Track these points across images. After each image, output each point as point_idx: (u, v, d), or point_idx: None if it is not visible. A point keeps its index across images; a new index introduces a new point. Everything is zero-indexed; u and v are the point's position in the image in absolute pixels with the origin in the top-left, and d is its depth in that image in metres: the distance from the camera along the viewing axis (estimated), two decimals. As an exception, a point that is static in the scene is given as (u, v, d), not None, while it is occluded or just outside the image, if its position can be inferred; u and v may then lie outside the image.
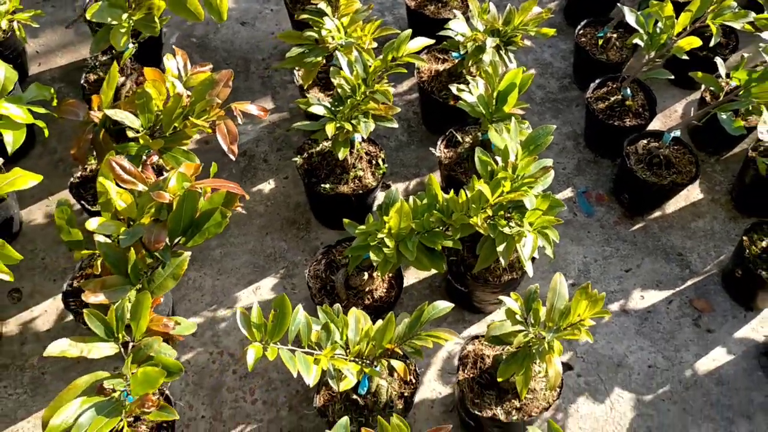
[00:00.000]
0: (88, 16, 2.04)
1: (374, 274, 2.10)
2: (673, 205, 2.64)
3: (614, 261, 2.48)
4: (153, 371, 1.46)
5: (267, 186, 2.60)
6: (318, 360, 1.62)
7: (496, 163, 1.96)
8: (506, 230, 1.87)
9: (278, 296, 1.56)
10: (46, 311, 2.26)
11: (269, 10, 3.17)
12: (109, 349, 1.58)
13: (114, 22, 2.10)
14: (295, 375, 1.56)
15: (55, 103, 2.13)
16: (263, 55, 3.00)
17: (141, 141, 1.97)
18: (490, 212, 1.89)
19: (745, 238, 2.30)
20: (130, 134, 1.97)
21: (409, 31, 2.11)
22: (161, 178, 1.72)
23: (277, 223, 2.51)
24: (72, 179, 2.26)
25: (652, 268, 2.48)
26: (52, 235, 2.41)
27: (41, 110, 1.99)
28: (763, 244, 2.29)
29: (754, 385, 2.24)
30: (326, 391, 1.92)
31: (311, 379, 1.57)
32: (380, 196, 2.57)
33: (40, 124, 2.00)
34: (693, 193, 2.68)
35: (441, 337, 1.71)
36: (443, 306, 1.74)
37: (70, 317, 2.23)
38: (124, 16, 2.10)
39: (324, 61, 2.39)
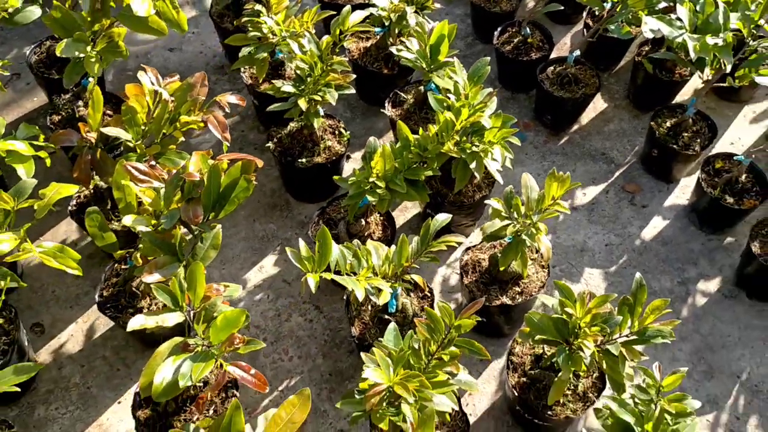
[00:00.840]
0: (57, 52, 2.19)
1: (369, 219, 2.35)
2: (586, 117, 3.05)
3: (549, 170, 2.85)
4: (232, 314, 1.65)
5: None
6: (359, 280, 1.87)
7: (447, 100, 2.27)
8: (474, 149, 2.18)
9: (320, 230, 1.80)
10: (72, 335, 2.36)
11: (191, 34, 3.36)
12: (177, 317, 1.75)
13: (81, 55, 2.27)
14: (351, 291, 1.79)
15: (41, 139, 2.24)
16: (199, 71, 3.18)
17: (138, 150, 2.15)
18: (456, 138, 2.20)
19: (652, 123, 2.72)
20: (128, 145, 2.13)
21: (349, 6, 2.39)
22: (180, 166, 1.92)
23: (260, 210, 2.71)
24: (70, 207, 2.38)
25: (584, 170, 2.87)
26: (54, 269, 2.50)
27: (41, 142, 2.11)
28: (668, 124, 2.72)
29: (690, 237, 2.66)
30: (358, 322, 2.15)
31: (361, 293, 1.81)
32: (347, 167, 2.82)
33: (43, 154, 2.12)
34: (599, 104, 3.10)
35: (451, 240, 1.99)
36: (444, 217, 2.02)
37: (98, 335, 2.35)
38: (89, 48, 2.27)
39: (271, 57, 2.63)
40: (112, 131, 2.12)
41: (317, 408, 2.21)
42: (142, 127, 2.17)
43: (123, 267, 2.21)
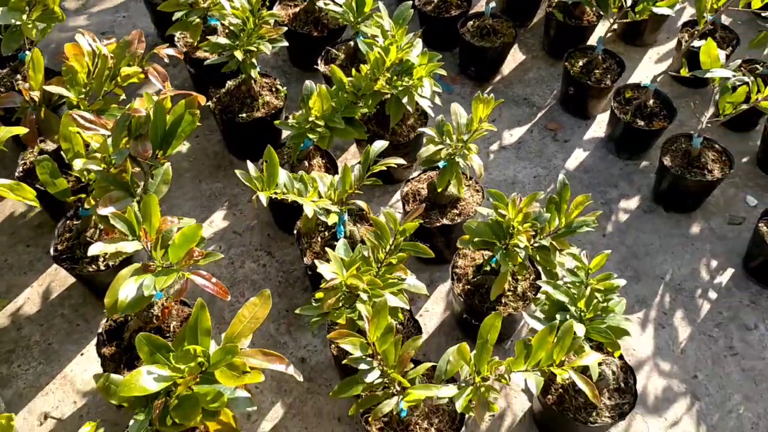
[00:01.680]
0: (-6, 20, 2.23)
1: (312, 162, 2.46)
2: (507, 68, 3.23)
3: (481, 118, 3.02)
4: (188, 229, 1.72)
5: (183, 147, 2.86)
6: (307, 201, 1.97)
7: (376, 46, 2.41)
8: (405, 84, 2.32)
9: (266, 150, 1.89)
10: (29, 298, 2.37)
11: (122, 17, 3.41)
12: (135, 244, 1.81)
13: (18, 22, 2.31)
14: (306, 209, 1.89)
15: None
16: (133, 51, 3.24)
17: (81, 107, 2.20)
18: (388, 75, 2.33)
19: (566, 63, 2.92)
20: (72, 103, 2.18)
21: (275, -38, 2.51)
22: (126, 107, 1.98)
23: (205, 171, 2.78)
24: (17, 174, 2.40)
25: (509, 114, 3.05)
26: (8, 238, 2.52)
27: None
28: (580, 63, 2.93)
29: (610, 164, 2.86)
30: (310, 252, 2.25)
31: (310, 210, 1.92)
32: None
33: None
34: (517, 56, 3.30)
35: (390, 162, 2.11)
36: (381, 143, 2.13)
37: (54, 295, 2.37)
38: (24, 16, 2.32)
39: (204, 23, 2.71)
40: (54, 89, 2.16)
41: (277, 341, 2.29)
42: (84, 88, 2.22)
43: (74, 222, 2.24)
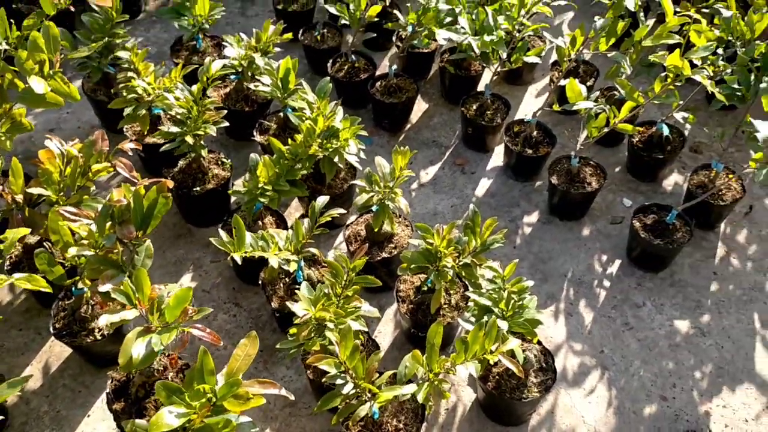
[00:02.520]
0: (-32, 136, 2.51)
1: (265, 221, 2.82)
2: (415, 116, 3.71)
3: (399, 163, 3.47)
4: (180, 292, 2.05)
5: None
6: (271, 255, 2.34)
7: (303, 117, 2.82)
8: (335, 146, 2.74)
9: (234, 216, 2.26)
10: (31, 375, 2.61)
11: (66, 113, 3.68)
12: (134, 312, 2.13)
13: (-10, 135, 2.60)
14: (271, 262, 2.25)
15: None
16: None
17: (60, 202, 2.50)
18: (319, 141, 2.74)
19: (462, 108, 3.42)
20: (51, 200, 2.48)
21: (209, 57, 2.89)
22: (107, 200, 2.30)
23: (167, 241, 3.10)
24: (6, 268, 2.66)
25: (423, 155, 3.51)
26: (1, 325, 2.75)
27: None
28: (474, 107, 3.43)
29: (510, 188, 3.36)
30: (275, 297, 2.61)
31: (275, 262, 2.29)
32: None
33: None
34: (421, 105, 3.78)
35: (333, 213, 2.51)
36: (323, 199, 2.53)
37: (54, 369, 2.61)
38: (-4, 129, 2.61)
39: (149, 113, 3.05)
40: (36, 190, 2.46)
41: (257, 377, 2.62)
42: (59, 186, 2.53)
43: (67, 302, 2.53)
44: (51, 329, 2.45)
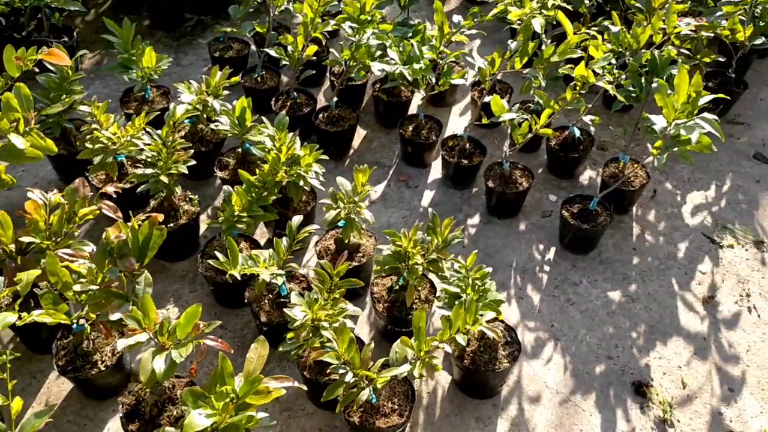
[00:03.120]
0: (-46, 195, 2.61)
1: (241, 246, 3.04)
2: (356, 142, 4.02)
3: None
4: (191, 309, 2.25)
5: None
6: (260, 272, 2.57)
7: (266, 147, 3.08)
8: (299, 171, 3.01)
9: (227, 239, 2.48)
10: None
11: (22, 171, 3.76)
12: (145, 335, 2.30)
13: (-28, 193, 2.70)
14: (263, 276, 2.48)
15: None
16: (42, 197, 3.62)
17: (51, 248, 2.64)
18: (285, 168, 3.00)
19: (400, 130, 3.76)
20: (41, 247, 2.61)
21: (173, 104, 3.11)
22: (103, 238, 2.47)
23: (144, 279, 3.23)
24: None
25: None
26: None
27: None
28: (410, 128, 3.78)
29: (451, 196, 3.71)
30: (262, 312, 2.81)
31: (267, 275, 2.52)
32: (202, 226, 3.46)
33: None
34: (361, 132, 4.10)
35: (310, 230, 2.76)
36: (298, 218, 2.79)
37: (56, 407, 2.71)
38: (-25, 186, 2.71)
39: (115, 159, 3.21)
40: (26, 238, 2.59)
41: (252, 389, 2.81)
42: (46, 233, 2.66)
43: (66, 340, 2.64)
44: (55, 367, 2.56)
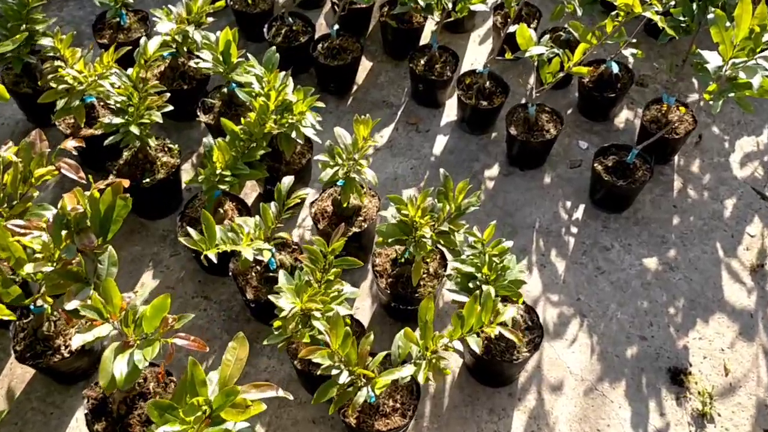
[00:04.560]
0: None
1: (225, 208, 2.69)
2: (360, 77, 3.58)
3: (350, 128, 3.35)
4: (158, 301, 1.94)
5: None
6: (244, 247, 2.23)
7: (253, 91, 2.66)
8: (291, 121, 2.61)
9: (203, 214, 2.13)
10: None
11: (-17, 109, 3.39)
12: (108, 327, 2.00)
13: None
14: (246, 255, 2.14)
15: None
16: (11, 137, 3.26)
17: (4, 214, 2.30)
18: (274, 117, 2.60)
19: (411, 65, 3.31)
20: (-9, 213, 2.28)
21: (144, 38, 2.68)
22: (58, 208, 2.12)
23: (120, 240, 2.91)
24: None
25: (374, 118, 3.39)
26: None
27: None
28: (422, 62, 3.33)
29: (467, 142, 3.30)
30: (249, 287, 2.50)
31: (250, 255, 2.18)
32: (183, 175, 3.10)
33: None
34: (366, 64, 3.65)
35: (301, 195, 2.40)
36: (288, 179, 2.42)
37: (19, 393, 2.46)
38: None
39: (84, 101, 2.83)
40: (-28, 205, 2.25)
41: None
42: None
43: (26, 321, 2.35)
44: (12, 352, 2.29)
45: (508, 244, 2.29)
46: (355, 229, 2.64)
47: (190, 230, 2.15)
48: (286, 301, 1.99)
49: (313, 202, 2.75)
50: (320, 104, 2.68)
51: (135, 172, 2.79)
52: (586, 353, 2.59)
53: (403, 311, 2.56)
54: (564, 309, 2.71)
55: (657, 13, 2.68)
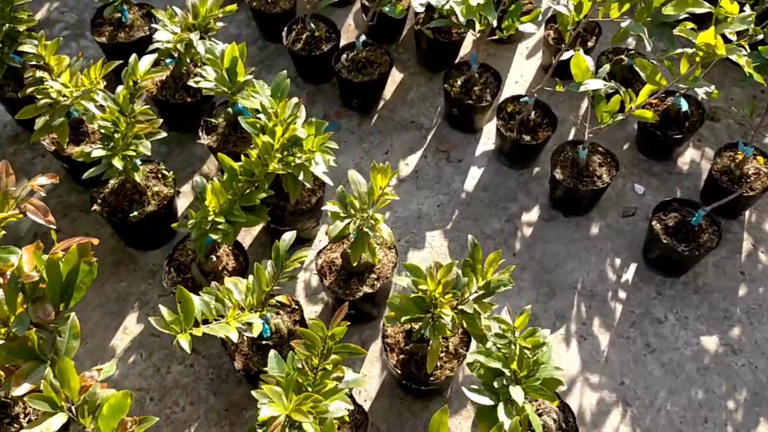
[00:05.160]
0: None
1: (219, 253, 2.38)
2: (388, 91, 3.22)
3: (373, 151, 3.01)
4: (115, 400, 1.65)
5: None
6: (228, 323, 1.92)
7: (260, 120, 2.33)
8: (297, 161, 2.27)
9: (178, 290, 1.82)
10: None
11: (-31, 108, 3.12)
12: (61, 418, 1.72)
13: None
14: (230, 336, 1.83)
15: None
16: (-8, 147, 3.00)
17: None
18: (279, 156, 2.27)
19: (445, 85, 2.94)
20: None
21: (135, 55, 2.35)
22: (10, 263, 1.84)
23: (106, 271, 2.64)
24: None
25: (400, 141, 3.05)
26: None
27: None
28: (459, 82, 2.95)
29: (505, 177, 2.93)
30: (239, 356, 2.21)
31: (234, 335, 1.87)
32: (179, 204, 2.80)
33: None
34: (396, 76, 3.28)
35: (302, 256, 2.08)
36: (289, 235, 2.09)
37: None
38: None
39: (68, 118, 2.53)
40: (-77, 250, 1.98)
41: (224, 445, 2.26)
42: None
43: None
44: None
45: (545, 333, 1.94)
46: (366, 289, 2.32)
47: (162, 310, 1.84)
48: (269, 411, 1.68)
49: (320, 252, 2.43)
50: (333, 145, 2.33)
51: (122, 202, 2.50)
52: (627, 453, 2.25)
53: (415, 390, 2.25)
54: (605, 394, 2.37)
55: (744, 55, 2.26)
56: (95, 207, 2.49)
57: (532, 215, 2.82)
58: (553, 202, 2.83)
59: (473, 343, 2.23)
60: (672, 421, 2.31)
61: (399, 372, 2.18)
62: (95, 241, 1.89)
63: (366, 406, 2.33)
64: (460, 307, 2.02)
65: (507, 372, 1.91)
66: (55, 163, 2.89)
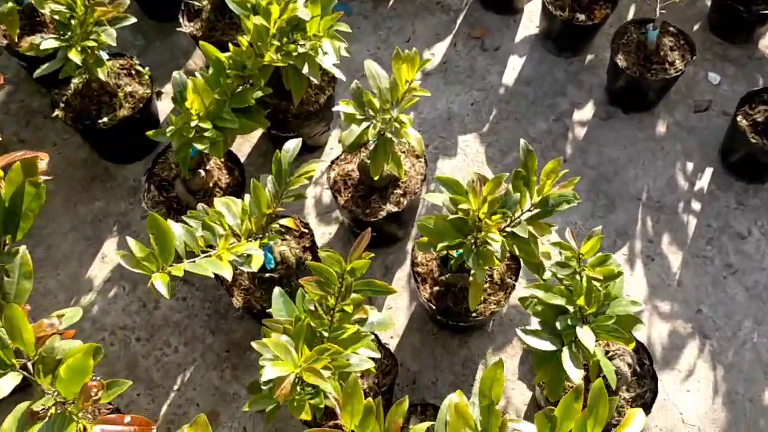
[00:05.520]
0: None
1: (209, 166, 1.98)
2: (408, -35, 2.71)
3: (392, 38, 2.54)
4: (74, 361, 1.29)
5: (41, 163, 2.30)
6: (220, 256, 1.54)
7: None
8: (300, 50, 1.82)
9: (149, 217, 1.43)
10: None
11: None
12: (12, 379, 1.38)
13: None
14: (212, 276, 1.46)
15: None
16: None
17: None
18: (276, 43, 1.82)
19: (480, -46, 2.43)
20: None
21: None
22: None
23: (77, 188, 2.25)
24: None
25: (424, 26, 2.57)
26: None
27: None
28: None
29: (551, 67, 2.47)
30: (238, 291, 1.85)
31: (228, 272, 1.49)
32: (161, 106, 2.37)
33: None
34: (416, -53, 2.76)
35: (310, 170, 1.67)
36: (293, 144, 1.68)
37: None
38: None
39: (19, 5, 2.07)
40: None
41: (226, 393, 1.94)
42: None
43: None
44: None
45: (617, 266, 1.55)
46: (391, 208, 1.92)
47: (130, 242, 1.45)
48: (272, 372, 1.31)
49: (333, 163, 2.01)
50: (345, 28, 1.87)
51: (90, 107, 2.08)
52: (707, 393, 1.91)
53: (451, 326, 1.89)
54: (678, 325, 2.00)
55: None
56: (57, 112, 2.07)
57: (586, 113, 2.38)
58: (611, 96, 2.37)
59: (523, 270, 1.85)
60: (760, 355, 1.96)
61: (433, 307, 1.81)
62: (44, 156, 1.50)
63: (392, 345, 1.98)
64: (510, 229, 1.62)
65: (571, 309, 1.54)
66: (14, 63, 2.45)
